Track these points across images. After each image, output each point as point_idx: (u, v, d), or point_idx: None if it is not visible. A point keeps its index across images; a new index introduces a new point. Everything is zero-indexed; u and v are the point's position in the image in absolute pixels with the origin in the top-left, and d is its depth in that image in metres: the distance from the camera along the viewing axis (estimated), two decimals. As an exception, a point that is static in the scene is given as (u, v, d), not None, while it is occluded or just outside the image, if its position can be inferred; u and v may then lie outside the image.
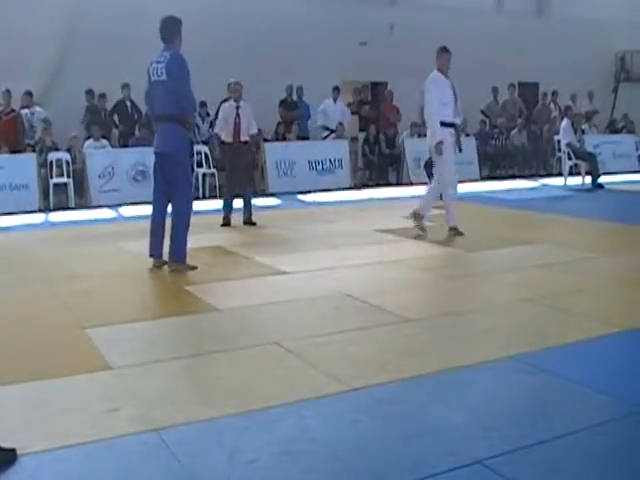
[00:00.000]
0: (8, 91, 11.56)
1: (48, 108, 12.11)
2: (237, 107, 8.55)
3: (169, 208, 6.15)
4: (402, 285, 5.42)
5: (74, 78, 12.42)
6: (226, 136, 8.60)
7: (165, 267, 6.08)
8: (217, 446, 2.81)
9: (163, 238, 6.09)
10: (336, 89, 13.64)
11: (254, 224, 8.52)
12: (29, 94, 11.87)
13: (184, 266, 6.02)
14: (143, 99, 12.40)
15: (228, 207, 8.61)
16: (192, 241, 6.97)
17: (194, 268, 6.04)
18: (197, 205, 10.79)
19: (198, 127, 12.57)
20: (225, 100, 12.58)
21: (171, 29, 5.94)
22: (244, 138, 8.59)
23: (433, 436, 2.86)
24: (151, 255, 6.16)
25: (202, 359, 3.83)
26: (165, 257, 6.10)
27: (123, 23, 12.81)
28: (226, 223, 8.52)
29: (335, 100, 13.57)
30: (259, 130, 9.67)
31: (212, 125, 13.01)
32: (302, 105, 13.75)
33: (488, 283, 5.61)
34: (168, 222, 6.13)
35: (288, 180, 12.13)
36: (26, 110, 11.80)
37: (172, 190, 6.01)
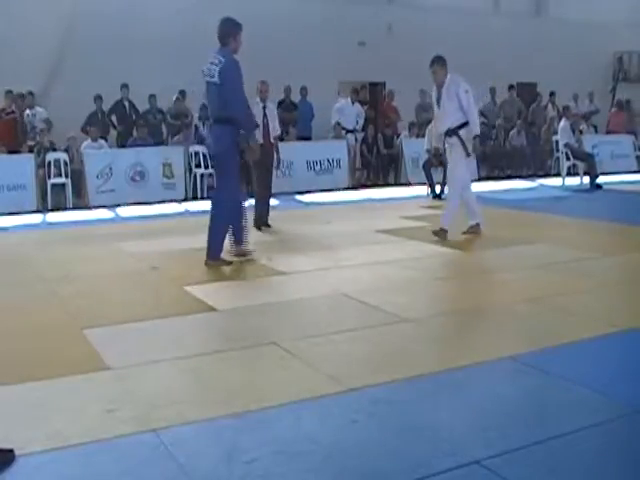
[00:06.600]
0: (10, 91, 11.54)
1: (46, 108, 12.10)
2: (264, 107, 8.35)
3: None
4: (400, 285, 5.42)
5: (72, 78, 12.41)
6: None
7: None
8: (215, 446, 2.81)
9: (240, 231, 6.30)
10: (355, 92, 13.74)
11: (269, 226, 8.39)
12: (31, 94, 11.87)
13: (217, 262, 6.13)
14: (141, 99, 12.59)
15: (260, 209, 8.42)
16: (191, 241, 6.99)
17: (229, 263, 6.16)
18: (195, 206, 10.88)
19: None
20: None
21: (225, 31, 6.06)
22: (271, 139, 8.42)
23: (431, 436, 2.86)
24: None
25: (200, 360, 3.82)
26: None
27: (122, 23, 12.82)
28: (259, 226, 8.30)
29: (353, 102, 13.63)
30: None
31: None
32: (306, 105, 13.75)
33: (486, 283, 5.61)
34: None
35: (286, 180, 12.11)
36: (27, 111, 11.82)
37: (216, 187, 6.28)
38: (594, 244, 6.96)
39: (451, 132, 7.33)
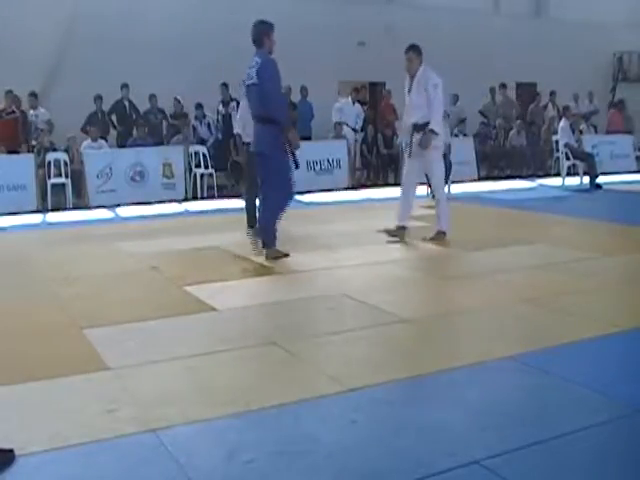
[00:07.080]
0: (11, 91, 11.55)
1: (46, 108, 12.10)
2: None
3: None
4: (400, 285, 5.42)
5: (72, 79, 12.42)
6: (246, 137, 8.11)
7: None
8: (215, 446, 2.81)
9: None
10: (355, 91, 13.85)
11: None
12: (34, 95, 11.87)
13: (273, 250, 6.39)
14: (141, 99, 12.61)
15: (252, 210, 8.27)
16: (191, 241, 6.98)
17: (253, 245, 6.40)
18: (195, 206, 10.88)
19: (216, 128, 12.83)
20: (227, 102, 12.68)
21: (258, 33, 6.28)
22: None
23: (431, 436, 2.86)
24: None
25: (200, 359, 3.82)
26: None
27: (121, 24, 12.83)
28: (252, 225, 8.17)
29: (354, 102, 13.70)
30: None
31: (210, 127, 13.02)
32: (306, 105, 13.76)
33: (486, 283, 5.60)
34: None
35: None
36: (32, 111, 11.82)
37: (266, 185, 6.34)
38: (594, 244, 6.95)
39: (419, 128, 7.05)
